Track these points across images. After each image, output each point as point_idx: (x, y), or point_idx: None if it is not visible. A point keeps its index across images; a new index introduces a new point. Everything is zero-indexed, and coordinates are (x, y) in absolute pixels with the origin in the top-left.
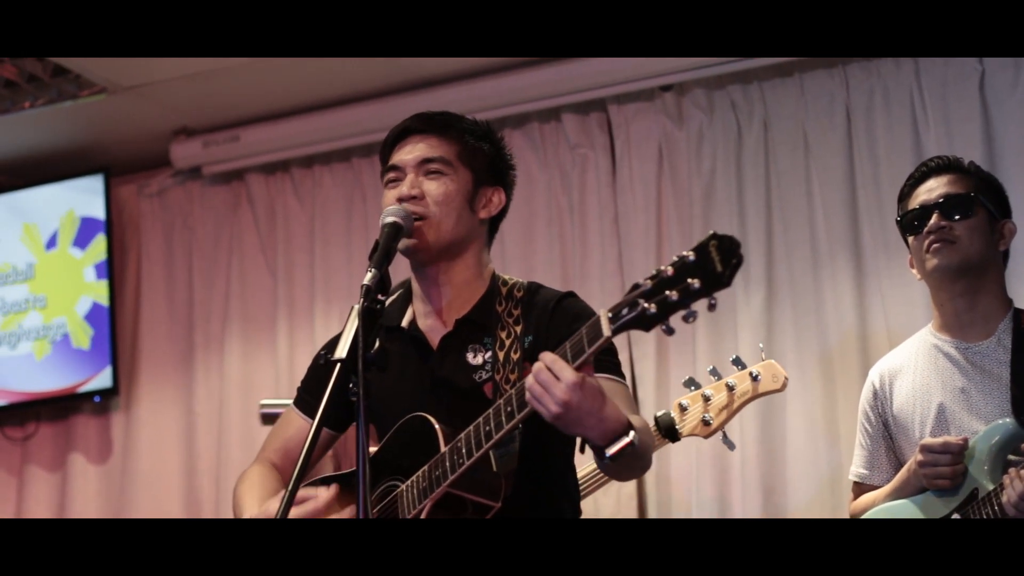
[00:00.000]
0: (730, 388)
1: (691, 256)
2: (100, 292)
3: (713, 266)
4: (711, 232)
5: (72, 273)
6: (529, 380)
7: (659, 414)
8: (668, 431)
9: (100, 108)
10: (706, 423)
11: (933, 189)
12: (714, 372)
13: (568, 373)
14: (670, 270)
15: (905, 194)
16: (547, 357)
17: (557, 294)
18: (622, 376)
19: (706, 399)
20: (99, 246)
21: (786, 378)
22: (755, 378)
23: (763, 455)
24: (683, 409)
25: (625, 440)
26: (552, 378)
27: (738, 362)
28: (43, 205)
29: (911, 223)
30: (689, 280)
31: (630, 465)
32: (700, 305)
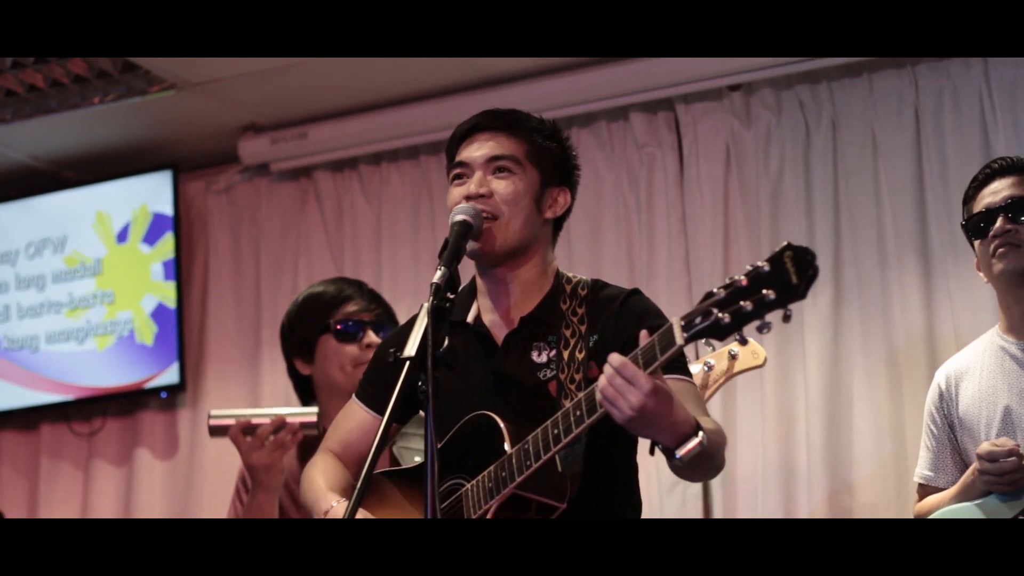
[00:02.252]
0: (708, 368)
1: (766, 267)
2: (167, 292)
3: (788, 277)
4: (786, 243)
5: (140, 269)
6: (602, 382)
7: None
8: None
9: (169, 104)
10: None
11: (998, 191)
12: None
13: (643, 379)
14: (744, 280)
15: (970, 196)
16: (615, 360)
17: (622, 292)
18: (690, 375)
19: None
20: (167, 244)
21: (766, 357)
22: (733, 356)
23: (829, 457)
24: None
25: (695, 441)
26: (626, 383)
27: (710, 343)
28: (116, 198)
29: (976, 226)
30: (764, 291)
31: (701, 466)
32: (774, 316)
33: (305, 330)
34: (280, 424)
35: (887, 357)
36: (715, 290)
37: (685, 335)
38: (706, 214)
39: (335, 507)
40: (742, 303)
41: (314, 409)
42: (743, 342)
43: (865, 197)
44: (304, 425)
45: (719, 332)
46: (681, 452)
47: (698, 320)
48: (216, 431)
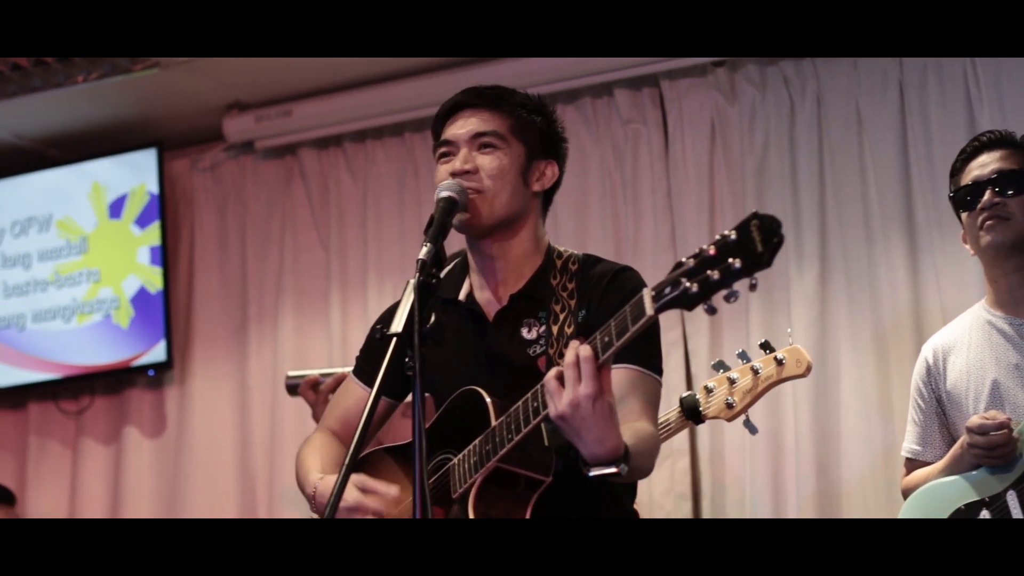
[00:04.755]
0: (755, 372)
1: (732, 235)
2: (152, 276)
3: (754, 246)
4: (752, 212)
5: (127, 248)
6: (550, 374)
7: (684, 395)
8: (691, 413)
9: (153, 82)
10: (729, 406)
11: (986, 164)
12: (743, 355)
13: (590, 383)
14: (712, 249)
15: (957, 169)
16: (584, 352)
17: (614, 267)
18: (656, 371)
19: (731, 382)
20: (157, 227)
21: (809, 364)
22: (780, 362)
23: (816, 431)
24: (709, 391)
25: (609, 470)
26: (576, 378)
27: (767, 346)
28: (103, 176)
29: (964, 199)
30: (730, 260)
31: (613, 482)
32: (741, 285)
33: None
34: (341, 380)
35: (874, 331)
36: (684, 260)
37: (655, 305)
38: (691, 190)
39: (319, 485)
40: (709, 272)
41: None
42: (711, 311)
43: (850, 172)
44: None
45: (687, 301)
46: (594, 472)
47: (667, 290)
48: (291, 389)
